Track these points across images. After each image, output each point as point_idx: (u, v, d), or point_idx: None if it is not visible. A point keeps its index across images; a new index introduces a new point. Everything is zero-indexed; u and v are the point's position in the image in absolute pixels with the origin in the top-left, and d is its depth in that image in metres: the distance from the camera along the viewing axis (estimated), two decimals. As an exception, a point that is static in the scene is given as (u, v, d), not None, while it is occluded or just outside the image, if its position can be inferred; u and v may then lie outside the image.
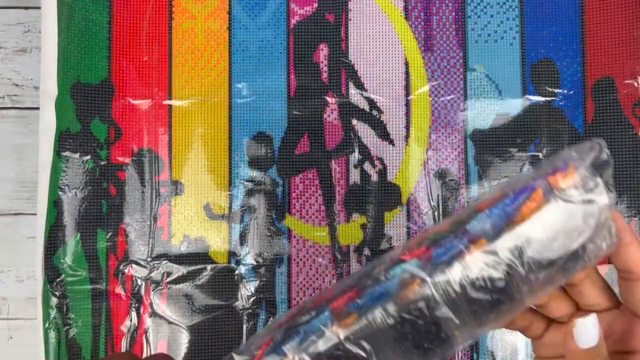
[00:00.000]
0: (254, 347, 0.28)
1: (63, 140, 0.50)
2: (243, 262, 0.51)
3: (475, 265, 0.27)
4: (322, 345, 0.27)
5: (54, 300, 0.50)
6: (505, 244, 0.27)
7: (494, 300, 0.27)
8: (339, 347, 0.27)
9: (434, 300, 0.27)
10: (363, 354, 0.27)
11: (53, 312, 0.50)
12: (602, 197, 0.27)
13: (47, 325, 0.50)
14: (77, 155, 0.51)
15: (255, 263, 0.51)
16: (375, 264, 0.29)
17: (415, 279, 0.27)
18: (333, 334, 0.27)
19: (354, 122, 0.52)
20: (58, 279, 0.50)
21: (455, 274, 0.27)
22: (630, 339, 0.34)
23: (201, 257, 0.51)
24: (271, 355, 0.27)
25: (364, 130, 0.52)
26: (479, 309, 0.27)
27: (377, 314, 0.27)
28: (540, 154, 0.51)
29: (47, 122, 0.51)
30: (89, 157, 0.51)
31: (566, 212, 0.27)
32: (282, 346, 0.27)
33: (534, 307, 0.34)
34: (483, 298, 0.27)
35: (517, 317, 0.34)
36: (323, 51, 0.52)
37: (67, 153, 0.50)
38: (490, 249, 0.27)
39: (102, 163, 0.51)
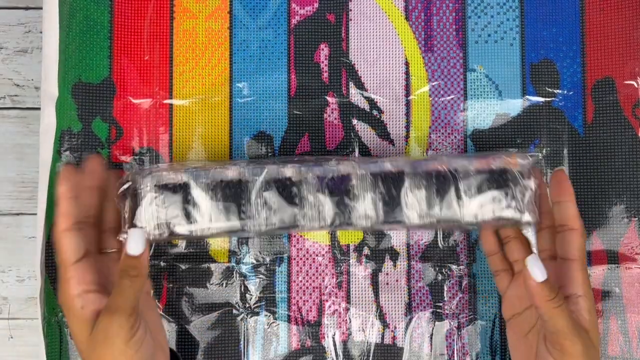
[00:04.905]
0: None
1: (64, 140, 0.51)
2: (243, 261, 0.51)
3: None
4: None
5: (54, 299, 0.50)
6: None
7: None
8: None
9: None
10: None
11: (53, 311, 0.50)
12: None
13: (47, 324, 0.50)
14: (78, 155, 0.51)
15: (255, 262, 0.51)
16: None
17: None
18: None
19: (354, 122, 0.52)
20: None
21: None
22: (566, 285, 0.42)
23: (201, 256, 0.51)
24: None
25: (364, 130, 0.52)
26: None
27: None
28: (540, 154, 0.51)
29: (48, 121, 0.51)
30: (89, 156, 0.51)
31: None
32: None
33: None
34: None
35: (492, 260, 0.46)
36: (324, 51, 0.52)
37: (68, 152, 0.50)
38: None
39: (103, 162, 0.51)
